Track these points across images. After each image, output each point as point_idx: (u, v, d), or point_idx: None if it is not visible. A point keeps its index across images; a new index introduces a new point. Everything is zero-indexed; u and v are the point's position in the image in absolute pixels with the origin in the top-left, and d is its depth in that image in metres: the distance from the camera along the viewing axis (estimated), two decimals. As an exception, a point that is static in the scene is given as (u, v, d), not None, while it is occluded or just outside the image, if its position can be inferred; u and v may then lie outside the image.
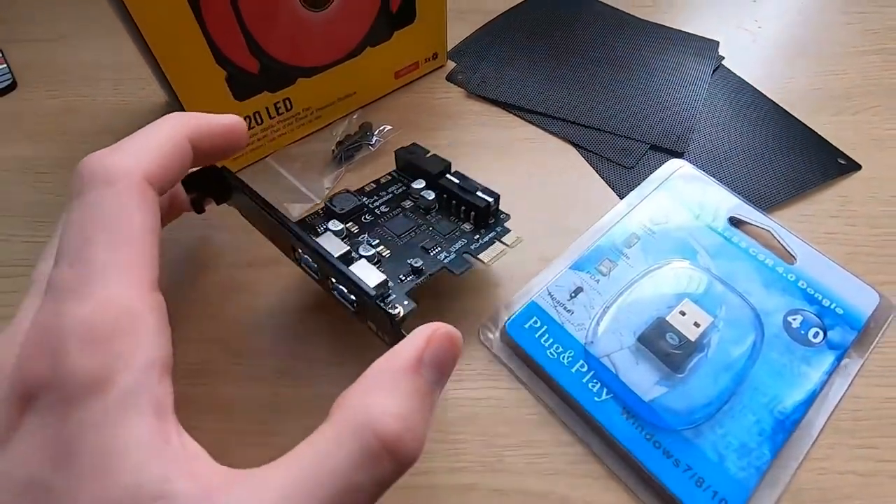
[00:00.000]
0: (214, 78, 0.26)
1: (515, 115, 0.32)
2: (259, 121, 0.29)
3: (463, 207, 0.23)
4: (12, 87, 0.35)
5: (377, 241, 0.22)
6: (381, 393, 0.13)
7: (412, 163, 0.25)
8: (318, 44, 0.28)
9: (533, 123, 0.32)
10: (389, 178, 0.26)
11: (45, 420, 0.12)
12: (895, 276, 0.25)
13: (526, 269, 0.25)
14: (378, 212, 0.24)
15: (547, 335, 0.23)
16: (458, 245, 0.22)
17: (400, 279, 0.21)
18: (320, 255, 0.18)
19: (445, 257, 0.22)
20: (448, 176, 0.24)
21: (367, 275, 0.18)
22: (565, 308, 0.23)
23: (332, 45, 0.29)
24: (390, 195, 0.25)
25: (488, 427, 0.21)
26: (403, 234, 0.23)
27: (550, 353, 0.22)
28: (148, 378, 0.12)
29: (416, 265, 0.21)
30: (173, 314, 0.24)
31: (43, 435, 0.12)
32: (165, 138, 0.16)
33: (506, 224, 0.23)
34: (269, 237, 0.22)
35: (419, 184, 0.24)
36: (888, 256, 0.25)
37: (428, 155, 0.25)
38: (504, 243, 0.22)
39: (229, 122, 0.18)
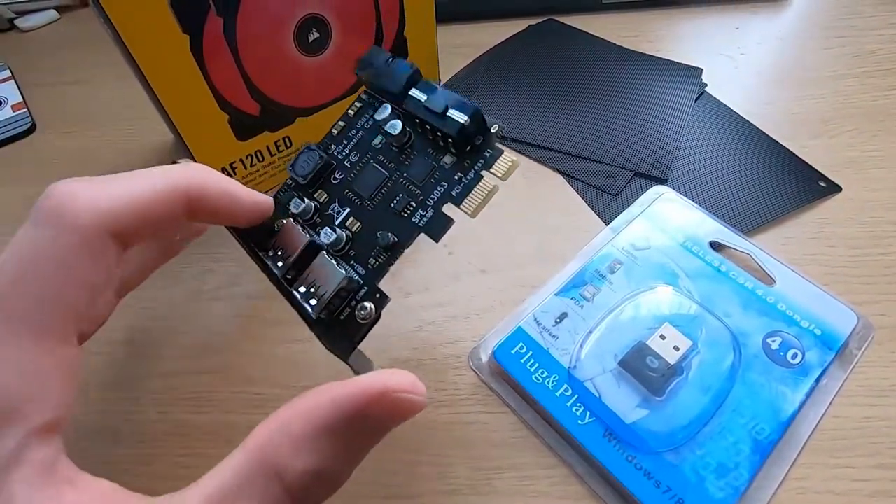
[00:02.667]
0: (217, 121, 0.27)
1: (505, 145, 0.33)
2: (260, 158, 0.30)
3: (439, 134, 0.18)
4: (31, 129, 0.38)
5: (346, 210, 0.18)
6: (302, 441, 0.12)
7: (371, 81, 0.19)
8: (315, 86, 0.30)
9: (522, 153, 0.33)
10: (359, 104, 0.20)
11: None
12: (874, 296, 0.25)
13: (514, 296, 0.26)
14: (347, 164, 0.19)
15: (533, 360, 0.24)
16: (437, 192, 0.18)
17: (370, 265, 0.17)
18: (266, 269, 0.15)
19: (422, 217, 0.17)
20: (413, 92, 0.18)
21: (328, 275, 0.16)
22: (550, 333, 0.24)
23: (328, 86, 0.30)
24: (360, 133, 0.19)
25: (477, 450, 0.22)
26: (374, 194, 0.18)
27: (536, 377, 0.23)
28: (35, 441, 0.12)
29: (386, 243, 0.17)
30: (176, 345, 0.26)
31: None
32: (152, 189, 0.15)
33: (497, 142, 0.18)
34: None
35: (383, 112, 0.19)
36: (867, 277, 0.26)
37: (389, 61, 0.19)
38: (494, 174, 0.17)
39: (247, 198, 0.17)
